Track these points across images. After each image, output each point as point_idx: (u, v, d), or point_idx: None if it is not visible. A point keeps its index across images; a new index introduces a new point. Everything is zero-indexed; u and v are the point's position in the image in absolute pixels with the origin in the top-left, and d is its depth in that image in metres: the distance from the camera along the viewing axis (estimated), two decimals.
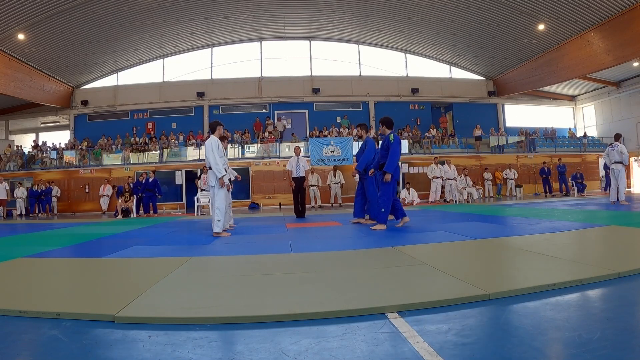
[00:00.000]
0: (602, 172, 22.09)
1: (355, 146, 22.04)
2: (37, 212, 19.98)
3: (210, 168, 7.56)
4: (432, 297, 2.78)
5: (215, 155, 7.41)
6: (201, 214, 15.78)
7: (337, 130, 23.70)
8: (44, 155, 23.45)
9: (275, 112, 25.81)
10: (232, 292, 3.14)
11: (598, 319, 2.37)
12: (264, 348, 2.07)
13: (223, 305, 2.77)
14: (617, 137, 12.31)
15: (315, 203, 19.00)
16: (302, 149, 12.41)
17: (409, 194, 18.02)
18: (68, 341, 2.26)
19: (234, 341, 2.17)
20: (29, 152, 24.03)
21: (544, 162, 21.96)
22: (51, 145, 24.45)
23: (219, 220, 7.37)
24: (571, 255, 4.19)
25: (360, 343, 2.10)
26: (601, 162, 20.75)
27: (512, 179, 21.94)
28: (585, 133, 27.66)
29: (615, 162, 11.94)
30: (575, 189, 20.36)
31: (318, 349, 2.04)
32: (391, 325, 2.35)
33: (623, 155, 11.88)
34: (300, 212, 11.82)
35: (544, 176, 21.36)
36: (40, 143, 25.38)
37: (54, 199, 20.84)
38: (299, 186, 11.80)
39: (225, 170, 7.78)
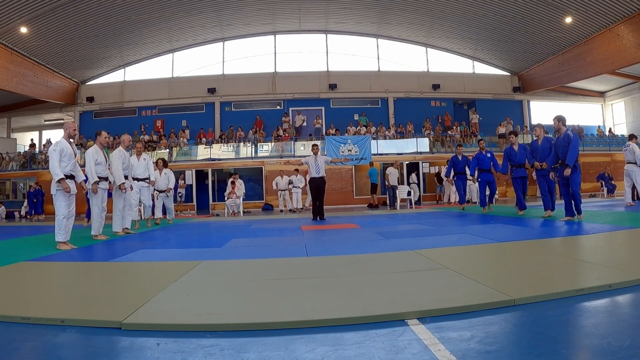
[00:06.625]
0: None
1: (374, 144, 21.97)
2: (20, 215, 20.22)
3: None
4: (454, 303, 2.76)
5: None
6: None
7: (355, 127, 23.66)
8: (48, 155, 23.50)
9: (290, 109, 25.85)
10: (245, 298, 3.15)
11: (628, 326, 2.35)
12: (278, 356, 2.06)
13: (235, 312, 2.77)
14: (631, 137, 12.11)
15: (285, 206, 19.00)
16: (317, 147, 12.31)
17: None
18: (73, 349, 2.27)
19: (247, 349, 2.16)
20: (25, 152, 24.24)
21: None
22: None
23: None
24: (600, 259, 4.16)
25: (379, 351, 2.08)
26: None
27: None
28: (610, 129, 27.38)
29: (628, 163, 11.87)
30: (605, 189, 20.18)
31: (335, 357, 2.03)
32: (411, 332, 2.33)
33: (635, 155, 11.69)
34: (318, 214, 11.78)
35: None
36: (44, 142, 25.64)
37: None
38: (316, 187, 11.76)
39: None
